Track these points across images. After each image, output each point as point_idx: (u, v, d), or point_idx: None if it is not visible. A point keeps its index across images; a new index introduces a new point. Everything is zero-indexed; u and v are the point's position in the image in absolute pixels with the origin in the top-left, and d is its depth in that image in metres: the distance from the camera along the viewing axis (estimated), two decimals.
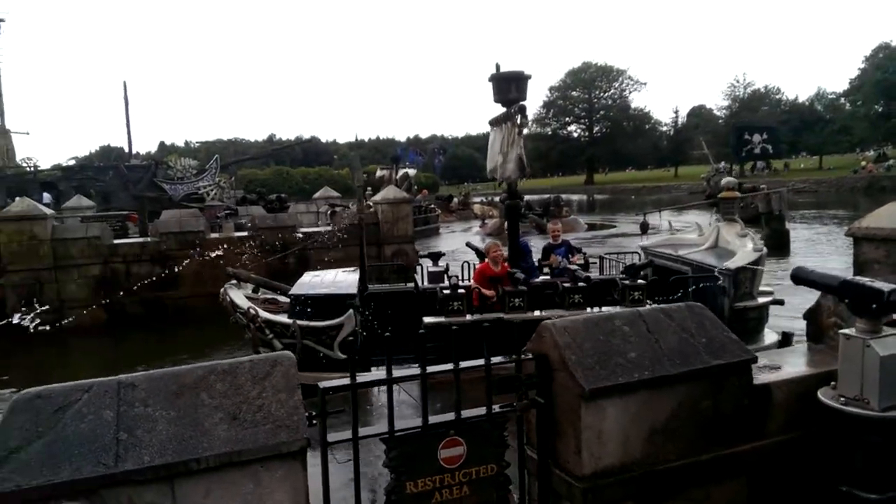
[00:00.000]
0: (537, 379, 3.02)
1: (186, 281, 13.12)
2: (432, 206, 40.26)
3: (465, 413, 2.90)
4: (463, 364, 2.87)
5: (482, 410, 2.93)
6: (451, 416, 2.87)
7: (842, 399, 2.98)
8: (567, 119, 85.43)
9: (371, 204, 14.43)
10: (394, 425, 2.74)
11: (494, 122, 6.61)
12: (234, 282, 6.74)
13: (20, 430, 2.12)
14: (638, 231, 23.77)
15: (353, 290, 6.38)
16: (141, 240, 13.80)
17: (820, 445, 3.08)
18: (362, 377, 2.73)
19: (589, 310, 6.25)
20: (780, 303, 7.03)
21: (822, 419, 3.04)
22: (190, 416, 2.28)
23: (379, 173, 41.58)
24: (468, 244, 9.43)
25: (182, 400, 2.32)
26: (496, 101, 6.42)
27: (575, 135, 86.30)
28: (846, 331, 3.00)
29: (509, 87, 6.29)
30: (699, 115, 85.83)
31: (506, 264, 6.49)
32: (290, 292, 6.40)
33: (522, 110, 6.44)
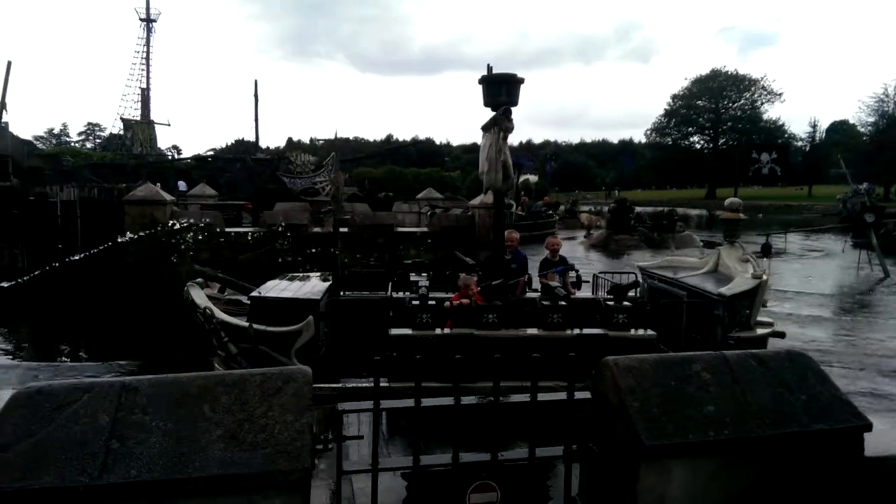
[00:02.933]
0: (593, 423, 2.61)
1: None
2: (550, 212, 39.96)
3: (504, 454, 2.55)
4: (505, 398, 2.53)
5: (524, 452, 2.56)
6: (485, 455, 2.52)
7: None
8: (690, 129, 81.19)
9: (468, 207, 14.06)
10: (419, 459, 2.44)
11: (485, 128, 6.19)
12: (199, 279, 6.54)
13: (14, 426, 2.01)
14: (760, 253, 21.98)
15: (317, 296, 6.04)
16: (250, 229, 14.42)
17: None
18: (387, 403, 2.45)
19: (569, 331, 5.70)
20: (782, 335, 6.49)
21: None
22: (188, 430, 2.09)
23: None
24: (455, 253, 8.71)
25: (183, 410, 2.13)
26: (486, 104, 6.03)
27: (697, 146, 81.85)
28: None
29: (500, 90, 5.88)
30: (840, 130, 78.71)
31: (479, 297, 5.95)
32: (251, 294, 6.19)
33: (507, 114, 5.95)
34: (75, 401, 2.10)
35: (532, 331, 5.67)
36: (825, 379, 2.67)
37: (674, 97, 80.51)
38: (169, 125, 59.79)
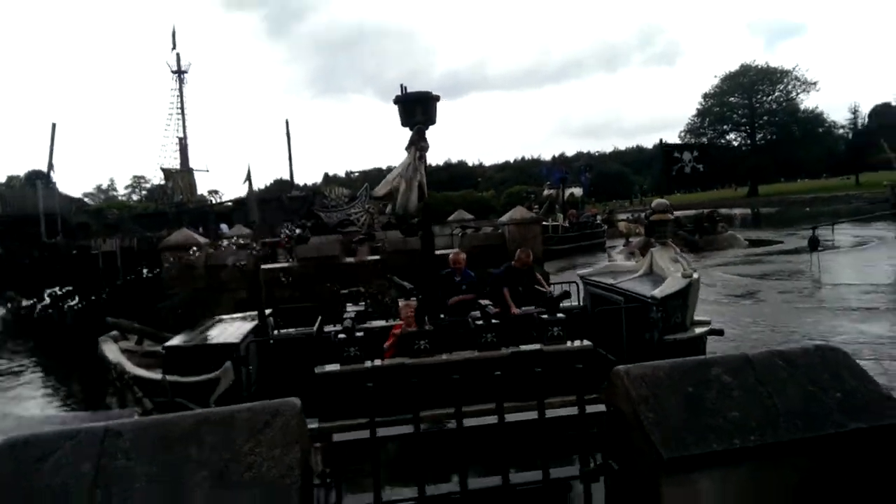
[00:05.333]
0: (608, 439, 2.43)
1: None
2: (598, 222, 39.77)
3: (515, 477, 2.39)
4: (511, 416, 2.38)
5: (537, 475, 2.40)
6: (497, 479, 2.37)
7: None
8: (725, 127, 79.48)
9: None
10: (425, 490, 2.30)
11: (406, 148, 6.05)
12: (114, 332, 6.37)
13: None
14: (807, 247, 21.13)
15: (237, 339, 5.81)
16: (283, 265, 14.60)
17: None
18: (384, 430, 2.33)
19: (504, 349, 5.35)
20: (720, 333, 6.47)
21: None
22: (173, 474, 2.00)
23: (546, 192, 41.58)
24: (391, 279, 8.22)
25: (167, 454, 2.05)
26: (403, 125, 5.88)
27: (735, 143, 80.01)
28: None
29: (415, 109, 5.74)
30: (884, 114, 75.84)
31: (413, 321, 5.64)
32: (165, 344, 6.00)
33: (421, 133, 5.77)
34: (58, 449, 2.04)
35: (465, 353, 5.36)
36: (862, 374, 2.44)
37: (705, 96, 79.08)
38: (207, 171, 61.47)
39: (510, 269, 6.89)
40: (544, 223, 36.47)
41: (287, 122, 43.08)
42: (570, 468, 2.41)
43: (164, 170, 47.48)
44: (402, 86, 6.06)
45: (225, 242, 16.57)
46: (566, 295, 6.23)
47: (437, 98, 5.98)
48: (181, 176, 46.14)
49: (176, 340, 6.16)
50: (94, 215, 46.41)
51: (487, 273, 7.58)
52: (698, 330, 6.08)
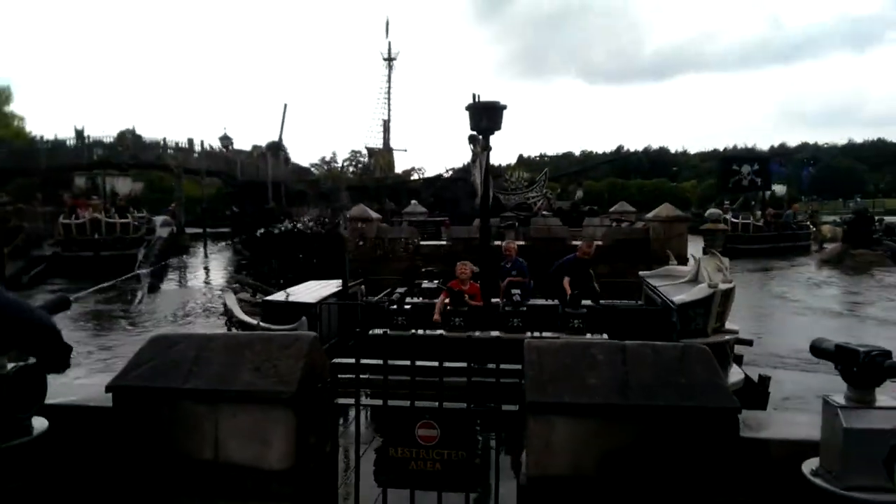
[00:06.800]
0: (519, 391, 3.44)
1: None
2: (806, 222, 37.06)
3: (447, 405, 3.53)
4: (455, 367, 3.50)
5: (463, 404, 3.51)
6: (434, 404, 3.52)
7: (813, 469, 2.71)
8: None
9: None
10: (387, 401, 3.54)
11: (480, 151, 6.95)
12: (235, 285, 7.94)
13: (147, 353, 3.58)
14: None
15: (313, 300, 6.98)
16: (439, 243, 16.32)
17: None
18: (365, 362, 3.59)
19: (529, 334, 6.09)
20: (749, 343, 6.72)
21: (800, 489, 2.79)
22: (234, 363, 3.47)
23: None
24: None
25: (234, 353, 3.52)
26: (472, 129, 6.72)
27: None
28: (828, 396, 2.71)
29: (480, 116, 6.49)
30: None
31: (475, 283, 6.52)
32: (263, 299, 7.42)
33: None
34: (180, 342, 3.62)
35: (494, 333, 6.32)
36: (712, 370, 3.18)
37: None
38: (405, 151, 66.74)
39: (575, 259, 7.69)
40: (734, 221, 34.60)
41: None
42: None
43: (368, 148, 52.74)
44: (473, 94, 7.23)
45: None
46: (584, 294, 7.03)
47: (503, 107, 7.03)
48: (382, 154, 50.92)
49: (272, 297, 8.10)
50: (312, 185, 52.72)
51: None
52: (721, 337, 6.44)
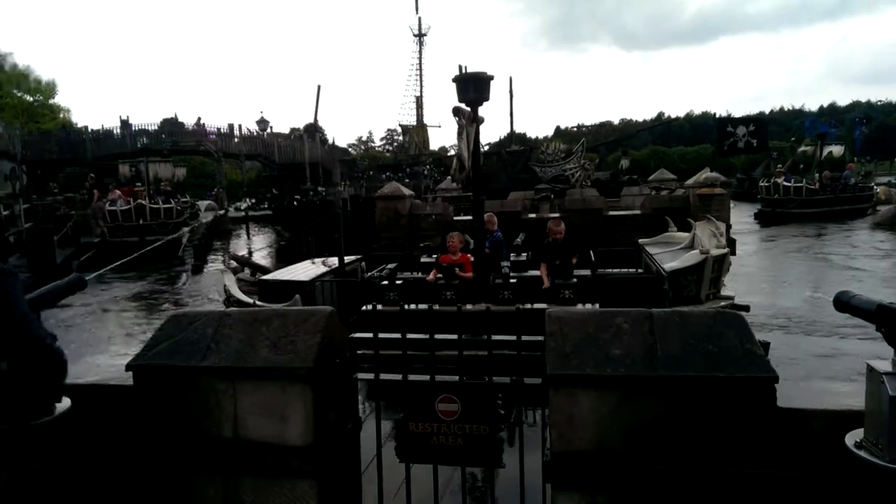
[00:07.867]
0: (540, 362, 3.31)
1: None
2: (871, 184, 35.54)
3: (468, 379, 3.42)
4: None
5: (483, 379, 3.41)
6: (454, 378, 3.43)
7: (857, 441, 2.52)
8: None
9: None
10: (408, 376, 3.46)
11: (468, 123, 6.69)
12: (234, 265, 7.84)
13: (166, 331, 3.57)
14: None
15: (307, 278, 6.85)
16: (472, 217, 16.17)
17: (839, 490, 2.64)
18: (384, 335, 3.51)
19: (518, 306, 5.80)
20: (745, 309, 6.57)
21: (844, 462, 2.61)
22: (251, 339, 3.43)
23: (803, 148, 38.12)
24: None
25: (251, 328, 3.48)
26: (460, 101, 6.51)
27: None
28: (872, 362, 2.50)
29: (468, 88, 6.26)
30: None
31: (466, 254, 6.33)
32: (260, 278, 7.32)
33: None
34: (198, 319, 3.59)
35: (483, 306, 6.12)
36: (745, 336, 2.99)
37: None
38: (439, 126, 66.32)
39: (546, 242, 7.30)
40: (786, 184, 33.35)
41: (511, 80, 44.73)
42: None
43: (401, 125, 52.62)
44: (459, 66, 7.04)
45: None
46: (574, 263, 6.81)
47: (490, 77, 6.82)
48: (416, 131, 50.73)
49: (269, 276, 8.11)
50: (347, 164, 52.95)
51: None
52: (716, 304, 6.21)
